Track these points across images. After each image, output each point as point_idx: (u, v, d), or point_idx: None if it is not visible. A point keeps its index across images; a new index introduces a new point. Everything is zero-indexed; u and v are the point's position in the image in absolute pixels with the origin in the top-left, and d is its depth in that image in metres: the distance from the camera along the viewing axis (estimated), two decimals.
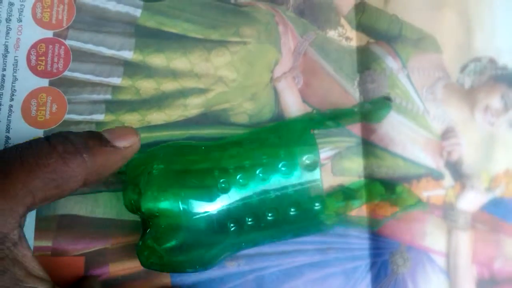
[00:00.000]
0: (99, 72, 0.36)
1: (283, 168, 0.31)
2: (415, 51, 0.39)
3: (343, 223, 0.36)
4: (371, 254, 0.36)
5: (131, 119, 0.36)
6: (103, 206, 0.35)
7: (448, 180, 0.37)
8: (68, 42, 0.36)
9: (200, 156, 0.32)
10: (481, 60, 0.39)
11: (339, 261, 0.36)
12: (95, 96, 0.36)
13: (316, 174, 0.31)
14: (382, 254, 0.36)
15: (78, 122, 0.36)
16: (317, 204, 0.31)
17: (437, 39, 0.39)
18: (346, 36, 0.39)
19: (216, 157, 0.31)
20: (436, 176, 0.37)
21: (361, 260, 0.36)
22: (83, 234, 0.34)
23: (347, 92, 0.38)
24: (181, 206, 0.30)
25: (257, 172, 0.31)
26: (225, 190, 0.30)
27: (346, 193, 0.37)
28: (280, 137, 0.32)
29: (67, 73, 0.36)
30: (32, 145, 0.25)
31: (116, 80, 0.36)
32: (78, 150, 0.26)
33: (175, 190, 0.30)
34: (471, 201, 0.37)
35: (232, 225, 0.31)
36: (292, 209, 0.31)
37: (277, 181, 0.31)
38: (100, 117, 0.36)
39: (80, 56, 0.36)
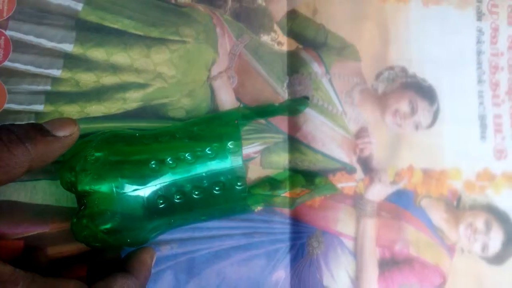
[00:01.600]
0: (39, 63, 0.32)
1: (209, 152, 0.30)
2: (338, 58, 0.37)
3: (265, 203, 0.34)
4: (291, 237, 0.35)
5: (70, 110, 0.32)
6: (42, 193, 0.32)
7: (359, 173, 0.37)
8: (8, 33, 0.32)
9: (135, 146, 0.30)
10: (394, 69, 0.38)
11: (262, 244, 0.35)
12: (34, 87, 0.32)
13: (238, 158, 0.30)
14: (300, 238, 0.35)
15: (17, 112, 0.32)
16: (239, 184, 0.31)
17: (357, 48, 0.38)
18: (278, 41, 0.37)
19: (151, 148, 0.30)
20: (349, 170, 0.37)
21: (282, 243, 0.35)
22: (22, 219, 0.32)
23: (277, 93, 0.36)
24: (115, 191, 0.28)
25: (186, 155, 0.30)
26: (156, 172, 0.29)
27: (271, 183, 0.35)
28: (208, 126, 0.31)
29: (7, 63, 0.32)
30: None
31: (56, 72, 0.33)
32: (21, 139, 0.25)
33: (110, 178, 0.28)
34: (378, 192, 0.37)
35: (161, 201, 0.29)
36: (217, 188, 0.30)
37: (204, 163, 0.30)
38: (39, 107, 0.32)
39: (21, 47, 0.32)
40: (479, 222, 0.38)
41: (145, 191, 0.29)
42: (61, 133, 0.26)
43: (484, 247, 0.38)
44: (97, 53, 0.33)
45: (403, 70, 0.38)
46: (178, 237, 0.34)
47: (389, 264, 0.37)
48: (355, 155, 0.37)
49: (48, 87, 0.32)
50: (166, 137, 0.30)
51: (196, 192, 0.30)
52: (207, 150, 0.30)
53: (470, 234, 0.38)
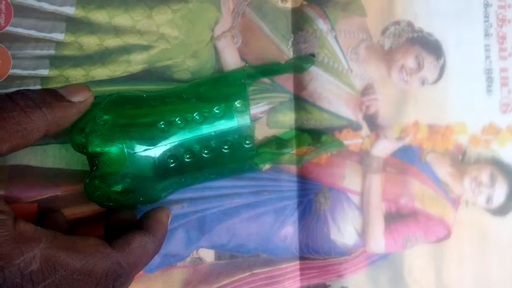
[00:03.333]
0: (42, 27, 0.31)
1: (217, 111, 0.30)
2: (343, 14, 0.36)
3: (273, 161, 0.34)
4: (298, 194, 0.35)
5: (76, 74, 0.32)
6: (52, 157, 0.32)
7: (365, 130, 0.36)
8: None
9: (142, 108, 0.29)
10: (400, 24, 0.37)
11: (270, 202, 0.35)
12: (38, 52, 0.31)
13: (246, 117, 0.30)
14: (308, 194, 0.35)
15: (23, 77, 0.31)
16: (247, 142, 0.30)
17: (362, 3, 0.36)
18: None
19: (158, 109, 0.29)
20: (355, 127, 0.36)
21: (289, 200, 0.35)
22: (35, 183, 0.31)
23: (282, 51, 0.35)
24: (126, 151, 0.28)
25: (194, 115, 0.29)
26: (165, 132, 0.29)
27: (278, 142, 0.35)
28: (215, 86, 0.31)
29: (9, 28, 0.31)
30: None
31: (59, 36, 0.32)
32: (38, 104, 0.25)
33: (119, 139, 0.28)
34: (384, 148, 0.37)
35: (171, 161, 0.29)
36: (225, 147, 0.30)
37: (212, 123, 0.30)
38: (44, 72, 0.31)
39: (22, 11, 0.31)
40: (484, 175, 0.38)
41: (155, 151, 0.29)
42: (75, 99, 0.27)
43: (488, 199, 0.38)
44: (99, 15, 0.32)
45: (409, 24, 0.37)
46: (189, 196, 0.34)
47: (395, 217, 0.37)
48: (361, 112, 0.37)
49: (52, 51, 0.32)
50: (173, 98, 0.30)
51: (205, 151, 0.30)
52: (214, 109, 0.30)
53: (475, 187, 0.38)
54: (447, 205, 0.38)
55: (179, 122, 0.29)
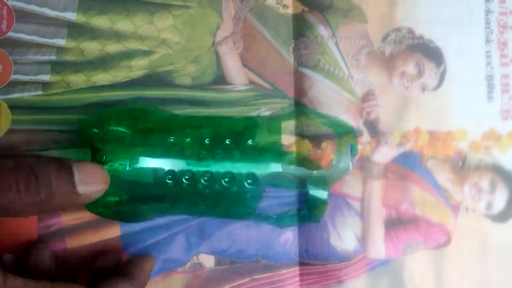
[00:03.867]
0: (44, 33, 0.31)
1: (228, 142, 0.30)
2: (344, 20, 0.36)
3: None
4: (298, 200, 0.35)
5: (77, 79, 0.32)
6: None
7: (366, 136, 0.36)
8: (10, 3, 0.31)
9: (158, 127, 0.30)
10: (401, 30, 0.37)
11: (271, 208, 0.35)
12: (40, 57, 0.31)
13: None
14: (308, 200, 0.35)
15: (24, 83, 0.31)
16: (249, 181, 0.30)
17: (363, 10, 0.36)
18: (283, 4, 0.35)
19: (174, 132, 0.30)
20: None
21: (290, 206, 0.35)
22: None
23: (283, 57, 0.35)
24: (128, 166, 0.27)
25: (206, 140, 0.30)
26: (170, 151, 0.29)
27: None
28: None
29: (11, 33, 0.31)
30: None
31: (61, 41, 0.32)
32: (38, 190, 0.22)
33: (125, 154, 0.28)
34: (385, 154, 0.37)
35: (169, 176, 0.29)
36: (226, 179, 0.30)
37: (220, 153, 0.30)
38: (45, 77, 0.31)
39: (24, 17, 0.31)
40: (484, 182, 0.38)
41: (156, 163, 0.29)
42: (88, 190, 0.24)
43: (489, 206, 0.38)
44: (101, 21, 0.32)
45: (410, 31, 0.37)
46: None
47: (395, 223, 0.37)
48: (362, 119, 0.37)
49: (54, 57, 0.32)
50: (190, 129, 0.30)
51: (205, 178, 0.30)
52: (226, 141, 0.30)
53: (475, 194, 0.38)
54: (447, 211, 0.38)
55: (188, 141, 0.29)
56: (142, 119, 0.29)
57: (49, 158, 0.24)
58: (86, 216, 0.32)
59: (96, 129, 0.28)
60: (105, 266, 0.30)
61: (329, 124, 0.34)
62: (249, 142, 0.30)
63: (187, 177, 0.30)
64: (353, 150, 0.34)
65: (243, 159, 0.30)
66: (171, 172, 0.29)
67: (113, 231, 0.32)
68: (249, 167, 0.30)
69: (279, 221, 0.34)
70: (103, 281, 0.27)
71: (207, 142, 0.30)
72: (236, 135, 0.30)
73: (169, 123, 0.30)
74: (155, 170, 0.29)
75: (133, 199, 0.29)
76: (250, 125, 0.30)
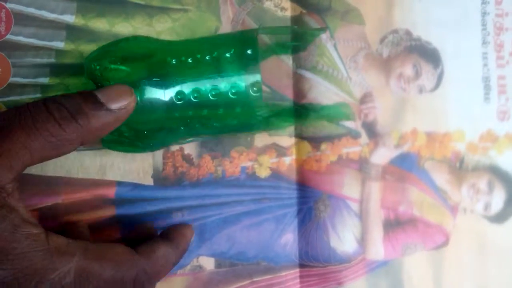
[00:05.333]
0: (42, 36, 0.31)
1: (228, 55, 0.30)
2: (342, 23, 0.36)
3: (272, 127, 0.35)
4: (298, 202, 0.35)
5: (75, 82, 0.32)
6: (53, 165, 0.32)
7: (364, 138, 0.37)
8: (9, 6, 0.31)
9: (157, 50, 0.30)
10: (398, 32, 0.37)
11: (270, 209, 0.35)
12: (39, 60, 0.31)
13: (256, 67, 0.30)
14: (307, 202, 0.36)
15: (23, 85, 0.31)
16: (255, 89, 0.30)
17: (361, 12, 0.37)
18: (282, 7, 0.36)
19: (172, 48, 0.31)
20: (354, 135, 0.37)
21: (289, 208, 0.35)
22: (35, 191, 0.31)
23: (281, 59, 0.36)
24: (138, 84, 0.28)
25: (206, 57, 0.30)
26: (175, 68, 0.29)
27: (277, 149, 0.35)
28: (229, 35, 0.32)
29: (10, 36, 0.31)
30: (30, 109, 0.23)
31: (59, 44, 0.32)
32: (74, 116, 0.24)
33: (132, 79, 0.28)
34: (383, 156, 0.37)
35: (179, 97, 0.29)
36: (233, 91, 0.30)
37: (222, 66, 0.30)
38: (44, 80, 0.32)
39: (22, 19, 0.31)
40: (482, 183, 0.38)
41: (165, 85, 0.29)
42: (116, 105, 0.25)
43: (487, 207, 0.38)
44: (99, 24, 0.32)
45: (408, 33, 0.38)
46: (188, 204, 0.34)
47: (394, 224, 0.37)
48: (360, 120, 0.37)
49: (52, 60, 0.32)
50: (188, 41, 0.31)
51: (213, 93, 0.30)
52: (226, 54, 0.30)
53: (473, 194, 0.38)
54: (445, 212, 0.38)
55: (190, 61, 0.29)
56: (139, 49, 0.29)
57: (70, 93, 0.25)
58: (82, 195, 0.32)
59: (97, 65, 0.28)
60: (146, 232, 0.30)
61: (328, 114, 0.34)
62: (249, 52, 0.30)
63: (195, 95, 0.30)
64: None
65: (244, 70, 0.30)
66: (179, 93, 0.29)
67: (108, 211, 0.32)
68: (252, 77, 0.30)
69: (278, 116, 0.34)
70: (144, 243, 0.27)
71: (207, 59, 0.30)
72: (236, 48, 0.30)
73: (167, 48, 0.30)
74: (163, 95, 0.29)
75: (148, 129, 0.29)
76: (247, 37, 0.31)
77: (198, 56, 0.30)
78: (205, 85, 0.30)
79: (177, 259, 0.28)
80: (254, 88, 0.30)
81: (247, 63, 0.30)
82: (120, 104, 0.25)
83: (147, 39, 0.31)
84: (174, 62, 0.29)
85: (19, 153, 0.23)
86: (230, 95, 0.30)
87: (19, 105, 0.24)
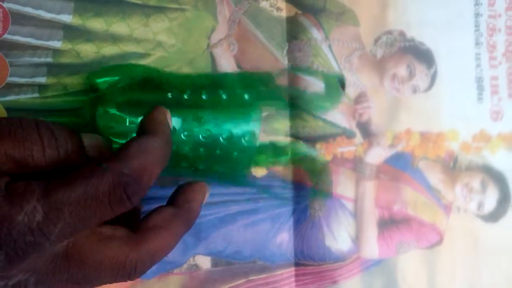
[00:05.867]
0: (39, 35, 0.32)
1: (224, 97, 0.30)
2: (337, 23, 0.37)
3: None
4: (294, 201, 0.36)
5: (73, 81, 0.32)
6: None
7: (358, 138, 0.37)
8: (6, 5, 0.31)
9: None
10: (392, 33, 0.38)
11: (266, 209, 0.35)
12: (36, 59, 0.32)
13: (255, 118, 0.30)
14: (303, 201, 0.36)
15: (20, 85, 0.32)
16: (247, 139, 0.30)
17: (356, 13, 0.37)
18: (277, 7, 0.36)
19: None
20: (349, 135, 0.37)
21: (285, 207, 0.36)
22: None
23: (277, 59, 0.36)
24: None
25: (203, 97, 0.30)
26: (170, 103, 0.29)
27: (274, 149, 0.36)
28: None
29: (7, 36, 0.31)
30: (23, 125, 0.23)
31: (57, 44, 0.32)
32: (57, 147, 0.23)
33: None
34: (377, 155, 0.37)
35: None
36: (224, 136, 0.30)
37: (219, 108, 0.30)
38: (42, 79, 0.32)
39: (20, 19, 0.31)
40: (475, 182, 0.39)
41: None
42: (95, 153, 0.25)
43: (480, 206, 0.39)
44: (96, 23, 0.33)
45: (401, 34, 0.38)
46: None
47: (388, 223, 0.38)
48: (354, 120, 0.37)
49: (50, 59, 0.32)
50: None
51: (203, 135, 0.30)
52: (223, 96, 0.30)
53: (466, 194, 0.39)
54: (439, 211, 0.38)
55: (186, 97, 0.29)
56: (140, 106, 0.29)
57: (62, 125, 0.25)
58: None
59: (102, 110, 0.28)
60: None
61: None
62: (245, 97, 0.30)
63: (186, 133, 0.30)
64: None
65: (238, 116, 0.30)
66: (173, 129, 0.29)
67: None
68: (246, 126, 0.30)
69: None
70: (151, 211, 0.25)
71: (204, 98, 0.30)
72: (231, 89, 0.30)
73: (166, 81, 0.30)
74: None
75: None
76: (245, 79, 0.31)
77: (191, 92, 0.30)
78: (196, 125, 0.29)
79: (162, 145, 0.25)
80: (246, 138, 0.30)
81: (245, 109, 0.29)
82: (97, 153, 0.25)
83: (152, 71, 0.31)
84: (170, 96, 0.29)
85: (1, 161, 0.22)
86: (222, 140, 0.30)
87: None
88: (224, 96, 0.30)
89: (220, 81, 0.31)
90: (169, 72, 0.32)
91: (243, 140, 0.30)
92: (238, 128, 0.30)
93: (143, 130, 0.25)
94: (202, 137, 0.30)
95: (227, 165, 0.31)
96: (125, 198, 0.22)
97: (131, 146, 0.23)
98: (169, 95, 0.29)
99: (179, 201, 0.27)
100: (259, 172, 0.36)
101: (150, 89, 0.29)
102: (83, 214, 0.21)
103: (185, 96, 0.29)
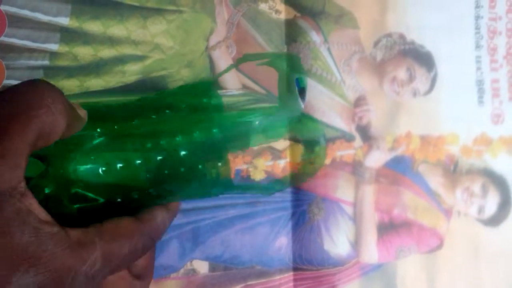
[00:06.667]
0: (36, 38, 0.32)
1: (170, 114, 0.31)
2: (336, 26, 0.37)
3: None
4: (292, 205, 0.36)
5: (70, 85, 0.32)
6: None
7: (358, 141, 0.37)
8: (3, 8, 0.31)
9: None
10: (392, 36, 0.38)
11: (265, 213, 0.35)
12: (32, 62, 0.32)
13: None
14: (301, 205, 0.36)
15: None
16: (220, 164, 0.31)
17: (355, 16, 0.37)
18: (276, 9, 0.36)
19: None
20: (348, 138, 0.37)
21: (283, 211, 0.36)
22: None
23: None
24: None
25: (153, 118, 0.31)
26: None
27: (272, 153, 0.36)
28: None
29: (3, 38, 0.31)
30: (20, 94, 0.23)
31: (53, 46, 0.32)
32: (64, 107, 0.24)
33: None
34: (377, 159, 0.37)
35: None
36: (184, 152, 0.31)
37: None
38: None
39: (16, 21, 0.31)
40: (476, 186, 0.39)
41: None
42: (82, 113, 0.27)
43: (480, 210, 0.39)
44: (94, 26, 0.33)
45: (401, 36, 0.38)
46: (182, 207, 0.34)
47: (388, 228, 0.38)
48: (354, 123, 0.37)
49: (46, 62, 0.32)
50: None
51: (161, 157, 0.30)
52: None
53: (467, 198, 0.39)
54: (439, 215, 0.38)
55: (135, 123, 0.30)
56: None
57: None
58: None
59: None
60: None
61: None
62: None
63: (140, 161, 0.30)
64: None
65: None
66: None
67: None
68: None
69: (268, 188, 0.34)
70: (144, 210, 0.28)
71: (153, 119, 0.30)
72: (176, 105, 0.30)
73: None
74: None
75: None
76: (186, 92, 0.31)
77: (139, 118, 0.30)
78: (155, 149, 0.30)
79: (171, 222, 0.30)
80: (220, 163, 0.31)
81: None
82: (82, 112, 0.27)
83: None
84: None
85: (20, 148, 0.22)
86: (182, 156, 0.30)
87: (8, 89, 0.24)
88: (170, 113, 0.30)
89: (161, 101, 0.31)
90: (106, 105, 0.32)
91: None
92: (196, 140, 0.30)
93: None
94: (159, 159, 0.30)
95: (196, 179, 0.31)
96: (147, 250, 0.27)
97: (158, 216, 0.28)
98: (116, 127, 0.29)
99: (143, 215, 0.29)
100: (257, 175, 0.36)
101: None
102: (122, 264, 0.26)
103: (134, 123, 0.29)
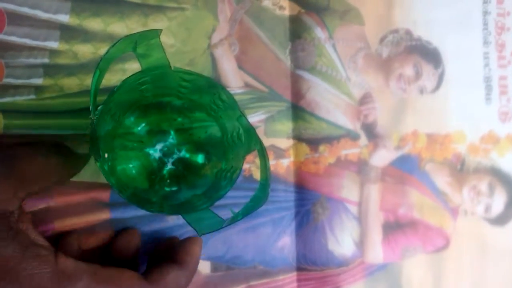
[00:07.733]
0: (36, 36, 0.32)
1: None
2: (341, 22, 0.37)
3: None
4: (296, 204, 0.36)
5: (70, 83, 0.32)
6: None
7: (363, 140, 0.37)
8: (2, 5, 0.31)
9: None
10: (398, 32, 0.38)
11: (268, 212, 0.35)
12: (32, 60, 0.32)
13: None
14: (305, 205, 0.36)
15: (17, 86, 0.31)
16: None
17: (361, 12, 0.37)
18: (280, 5, 0.36)
19: None
20: (353, 137, 0.37)
21: (287, 211, 0.36)
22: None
23: (280, 60, 0.36)
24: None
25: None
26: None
27: (276, 152, 0.36)
28: None
29: (3, 36, 0.31)
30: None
31: (53, 44, 0.32)
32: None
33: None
34: (382, 157, 0.37)
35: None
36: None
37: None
38: (38, 81, 0.32)
39: (16, 19, 0.31)
40: (483, 185, 0.39)
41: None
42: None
43: (487, 209, 0.39)
44: (94, 23, 0.33)
45: (408, 33, 0.38)
46: None
47: (393, 227, 0.37)
48: (359, 122, 0.37)
49: (46, 60, 0.32)
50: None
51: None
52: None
53: (474, 197, 0.39)
54: (446, 214, 0.38)
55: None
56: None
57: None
58: (76, 198, 0.32)
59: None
60: (156, 251, 0.31)
61: None
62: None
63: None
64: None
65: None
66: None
67: (102, 215, 0.33)
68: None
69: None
70: (154, 267, 0.28)
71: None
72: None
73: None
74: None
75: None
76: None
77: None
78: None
79: (188, 281, 0.28)
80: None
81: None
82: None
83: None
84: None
85: (24, 182, 0.24)
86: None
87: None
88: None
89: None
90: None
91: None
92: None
93: (179, 259, 0.29)
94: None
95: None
96: None
97: (169, 275, 0.27)
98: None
99: (182, 258, 0.29)
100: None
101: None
102: None
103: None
